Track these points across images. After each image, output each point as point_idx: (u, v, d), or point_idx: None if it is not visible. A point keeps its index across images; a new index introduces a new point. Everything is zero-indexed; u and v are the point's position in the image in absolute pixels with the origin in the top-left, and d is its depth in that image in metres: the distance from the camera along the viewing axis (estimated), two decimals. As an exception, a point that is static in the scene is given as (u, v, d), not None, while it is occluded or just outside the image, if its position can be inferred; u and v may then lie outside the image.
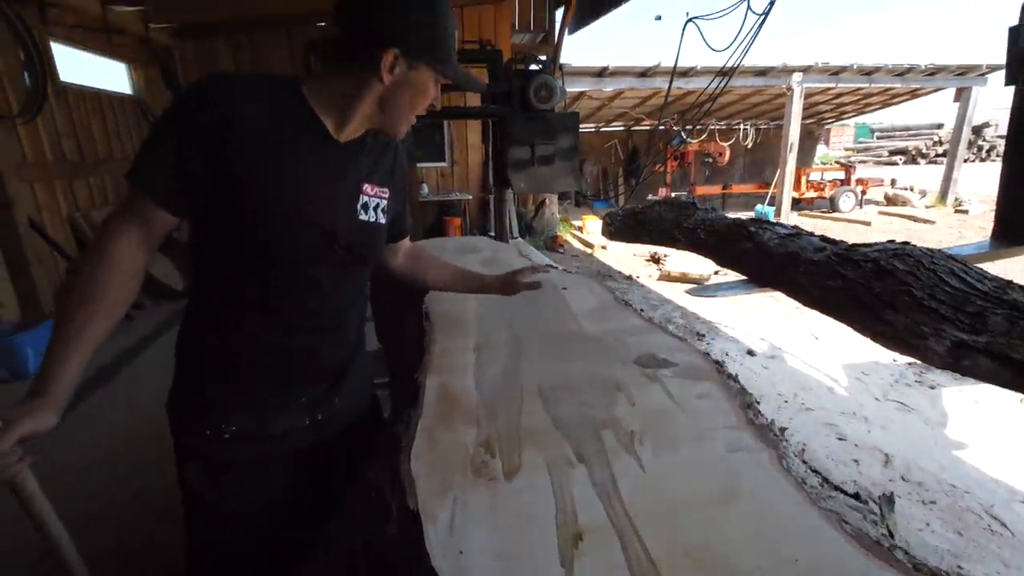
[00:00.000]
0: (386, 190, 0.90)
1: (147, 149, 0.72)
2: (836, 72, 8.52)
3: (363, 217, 0.86)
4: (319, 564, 0.89)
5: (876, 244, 1.31)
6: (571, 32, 6.24)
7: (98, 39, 4.41)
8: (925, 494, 2.04)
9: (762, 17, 2.91)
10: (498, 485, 0.67)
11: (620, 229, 2.23)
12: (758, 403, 0.83)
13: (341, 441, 0.95)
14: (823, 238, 1.48)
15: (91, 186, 4.44)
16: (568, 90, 6.10)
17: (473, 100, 5.52)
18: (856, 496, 0.61)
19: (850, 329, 1.25)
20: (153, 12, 4.77)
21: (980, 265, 1.27)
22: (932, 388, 2.94)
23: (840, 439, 2.43)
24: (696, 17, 3.35)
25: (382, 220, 0.90)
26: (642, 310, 1.36)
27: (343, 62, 0.78)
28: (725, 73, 3.17)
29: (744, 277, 1.71)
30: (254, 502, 0.87)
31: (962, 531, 1.85)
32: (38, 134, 3.83)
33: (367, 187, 0.86)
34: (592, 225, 7.35)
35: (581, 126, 2.96)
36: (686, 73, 7.49)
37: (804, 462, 0.67)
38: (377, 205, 0.88)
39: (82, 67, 4.64)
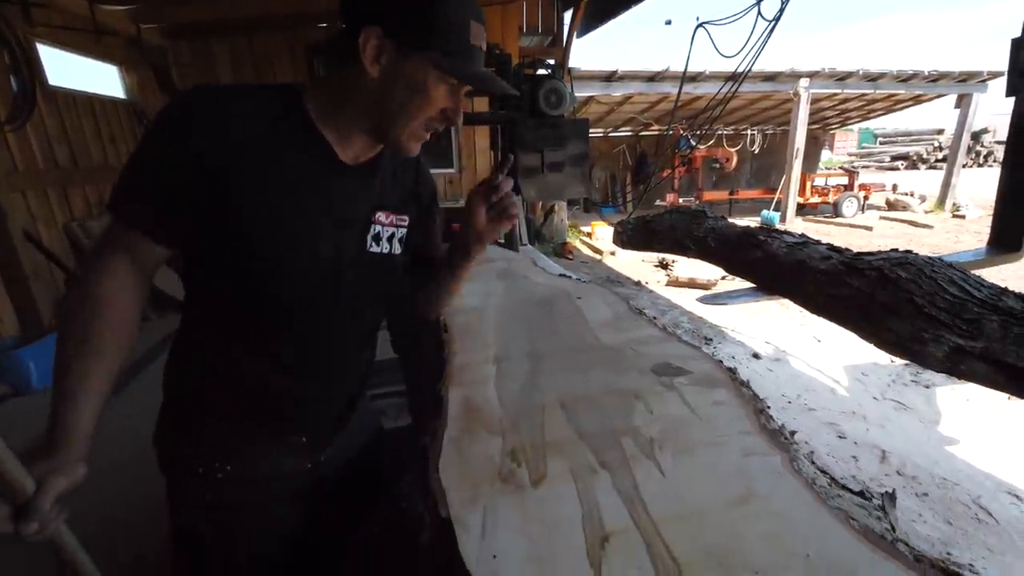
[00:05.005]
0: (405, 217, 0.80)
1: (128, 175, 0.64)
2: (842, 78, 8.57)
3: (374, 249, 0.76)
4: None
5: (880, 252, 1.35)
6: (580, 35, 6.29)
7: (87, 40, 4.23)
8: (918, 487, 2.15)
9: (772, 23, 2.96)
10: (525, 493, 0.71)
11: (632, 238, 2.28)
12: (769, 408, 0.88)
13: (347, 477, 0.90)
14: (830, 247, 1.53)
15: (86, 194, 4.31)
16: (577, 94, 6.15)
17: (481, 104, 5.58)
18: (861, 494, 0.65)
19: (854, 335, 1.30)
20: (144, 11, 4.58)
21: (977, 271, 1.32)
22: (927, 387, 3.02)
23: (840, 437, 2.51)
24: (706, 22, 3.39)
25: (398, 250, 0.80)
26: (655, 317, 1.41)
27: (337, 62, 0.67)
28: (734, 78, 3.22)
29: (753, 285, 1.76)
30: (250, 544, 0.81)
31: (952, 521, 1.96)
32: (28, 140, 3.70)
33: (380, 215, 0.76)
34: (601, 231, 7.40)
35: (590, 131, 3.01)
36: (695, 78, 7.54)
37: (812, 463, 0.72)
38: (392, 235, 0.78)
39: (71, 70, 4.39)
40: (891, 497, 0.66)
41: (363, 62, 0.63)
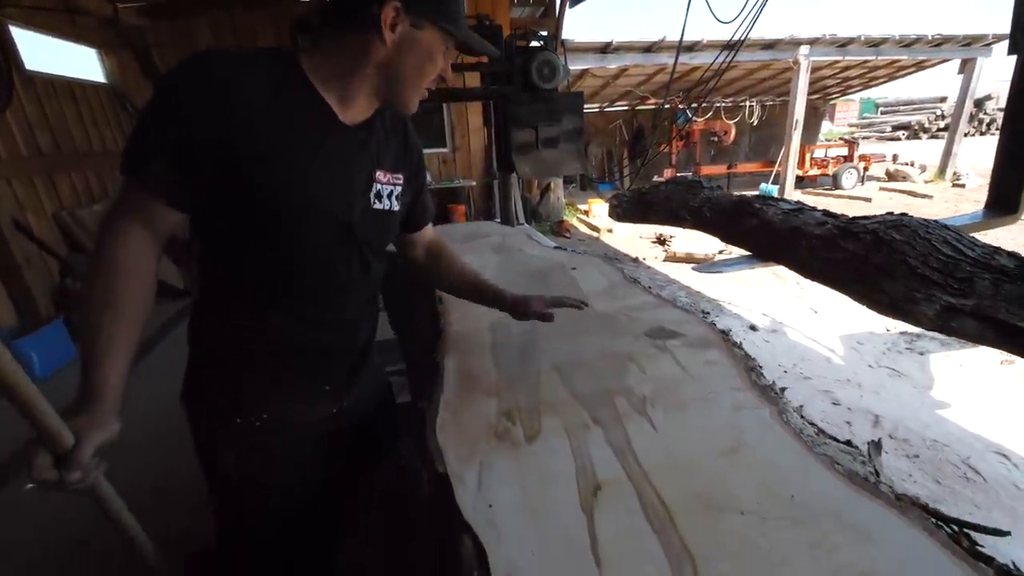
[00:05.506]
0: (400, 175, 0.85)
1: (139, 137, 0.65)
2: (843, 44, 8.39)
3: (377, 206, 0.81)
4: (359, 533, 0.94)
5: (876, 216, 1.35)
6: (572, 5, 6.12)
7: (61, 22, 4.08)
8: (910, 449, 2.19)
9: (771, -14, 2.87)
10: (520, 448, 0.73)
11: (627, 210, 2.27)
12: (760, 367, 0.89)
13: (361, 428, 0.95)
14: (825, 212, 1.52)
15: (73, 181, 4.22)
16: (571, 67, 6.03)
17: (473, 80, 5.46)
18: (848, 443, 0.67)
19: (848, 299, 1.31)
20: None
21: (974, 235, 1.32)
22: (921, 354, 3.06)
23: (835, 404, 2.55)
24: (703, -15, 3.29)
25: (396, 208, 0.85)
26: (649, 288, 1.41)
27: (340, 28, 0.70)
28: (732, 46, 3.15)
29: (748, 253, 1.76)
30: (286, 486, 0.87)
31: (940, 480, 2.01)
32: (8, 127, 3.61)
33: (380, 174, 0.81)
34: (598, 208, 7.34)
35: (585, 106, 2.95)
36: (692, 48, 7.38)
37: (802, 416, 0.74)
38: (391, 192, 0.83)
39: (48, 54, 4.26)
40: (877, 445, 0.67)
41: (379, 32, 0.68)
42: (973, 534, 0.59)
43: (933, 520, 0.56)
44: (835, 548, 0.53)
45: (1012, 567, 0.54)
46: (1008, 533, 0.61)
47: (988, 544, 0.62)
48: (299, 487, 0.88)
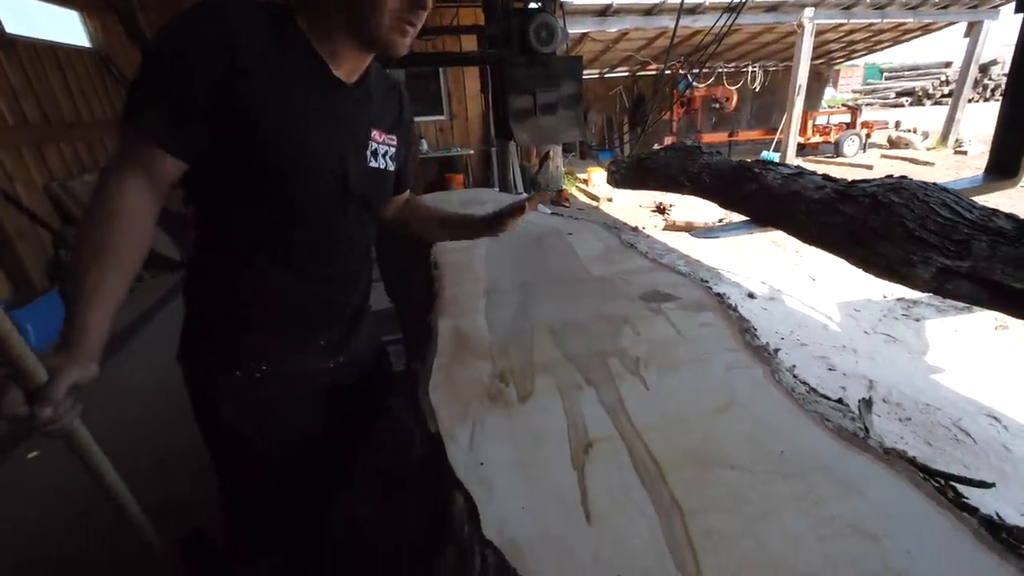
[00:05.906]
0: (394, 137, 0.88)
1: (142, 85, 0.65)
2: (848, 6, 8.14)
3: (373, 164, 0.83)
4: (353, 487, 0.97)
5: (875, 180, 1.33)
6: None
7: None
8: (902, 413, 2.22)
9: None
10: (513, 408, 0.73)
11: (626, 176, 2.23)
12: (755, 329, 0.89)
13: (357, 386, 0.97)
14: (825, 176, 1.50)
15: (62, 151, 4.11)
16: (570, 31, 5.83)
17: (469, 44, 5.31)
18: (839, 401, 0.67)
19: (845, 262, 1.30)
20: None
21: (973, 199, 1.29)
22: (917, 320, 3.08)
23: (830, 370, 2.57)
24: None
25: (391, 167, 0.87)
26: (646, 252, 1.40)
27: None
28: (734, 8, 3.04)
29: (747, 218, 1.74)
30: (285, 439, 0.88)
31: (931, 442, 2.05)
32: None
33: (376, 133, 0.83)
34: (597, 177, 7.25)
35: (584, 72, 2.86)
36: (694, 10, 7.15)
37: (795, 376, 0.74)
38: (386, 152, 0.86)
39: (29, 17, 4.02)
40: (867, 403, 0.68)
41: None
42: (958, 486, 0.60)
43: (920, 473, 0.57)
44: (823, 500, 0.54)
45: (996, 517, 0.55)
46: (992, 485, 0.62)
47: (973, 497, 0.63)
48: (298, 441, 0.90)
